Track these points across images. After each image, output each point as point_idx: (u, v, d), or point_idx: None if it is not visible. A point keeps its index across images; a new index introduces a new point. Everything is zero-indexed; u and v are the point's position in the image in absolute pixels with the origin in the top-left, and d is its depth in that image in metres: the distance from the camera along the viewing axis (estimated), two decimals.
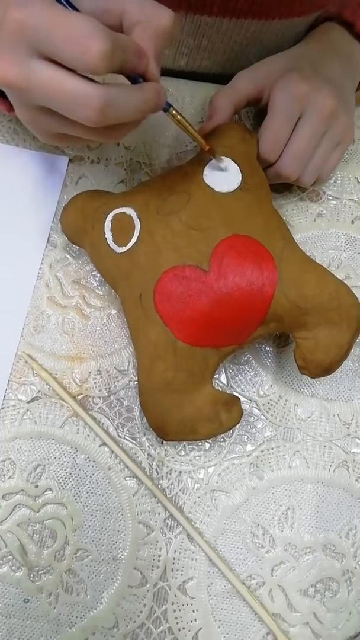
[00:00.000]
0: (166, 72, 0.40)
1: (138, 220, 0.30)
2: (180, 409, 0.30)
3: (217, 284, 0.29)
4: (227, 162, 0.30)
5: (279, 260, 0.29)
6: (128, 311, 0.31)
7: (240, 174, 0.30)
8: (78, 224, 0.32)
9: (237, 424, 0.31)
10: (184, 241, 0.29)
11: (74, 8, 0.24)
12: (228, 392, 0.35)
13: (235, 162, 0.31)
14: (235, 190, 0.30)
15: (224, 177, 0.30)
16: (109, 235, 0.30)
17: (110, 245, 0.30)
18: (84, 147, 0.39)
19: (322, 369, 0.30)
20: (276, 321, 0.30)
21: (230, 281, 0.29)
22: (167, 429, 0.30)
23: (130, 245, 0.30)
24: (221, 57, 0.39)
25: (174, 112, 0.28)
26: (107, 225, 0.30)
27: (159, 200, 0.30)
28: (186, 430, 0.30)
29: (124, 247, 0.30)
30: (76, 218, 0.32)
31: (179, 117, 0.28)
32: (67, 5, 0.24)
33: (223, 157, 0.30)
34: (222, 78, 0.40)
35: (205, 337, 0.30)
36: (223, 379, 0.35)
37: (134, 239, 0.30)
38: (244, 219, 0.30)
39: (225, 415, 0.31)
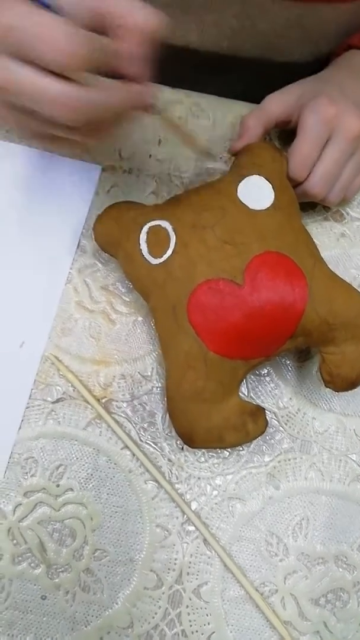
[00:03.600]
0: (208, 55, 0.41)
1: (173, 233, 0.31)
2: (209, 418, 0.31)
3: (250, 298, 0.30)
4: (259, 180, 0.31)
5: (309, 277, 0.30)
6: (159, 321, 0.32)
7: (273, 192, 0.32)
8: (112, 234, 0.33)
9: (263, 433, 0.32)
10: (219, 255, 0.30)
11: (53, 10, 0.24)
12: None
13: (268, 181, 0.32)
14: (268, 207, 0.31)
15: (257, 194, 0.31)
16: (144, 247, 0.31)
17: (145, 256, 0.31)
18: (74, 150, 0.38)
19: (348, 383, 0.31)
20: (305, 335, 0.31)
21: (263, 296, 0.30)
22: (194, 436, 0.31)
23: (165, 257, 0.31)
24: (263, 40, 0.40)
25: (165, 115, 0.29)
26: (143, 237, 0.31)
27: (194, 214, 0.31)
28: (213, 439, 0.31)
29: (159, 258, 0.31)
30: (110, 227, 0.33)
31: (171, 119, 0.29)
32: (46, 6, 0.24)
33: (255, 175, 0.31)
34: (261, 67, 0.41)
35: (236, 349, 0.31)
36: (244, 389, 0.36)
37: (169, 252, 0.31)
38: (276, 236, 0.31)
39: (251, 425, 0.32)
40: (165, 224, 0.31)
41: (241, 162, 0.32)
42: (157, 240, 0.31)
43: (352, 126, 0.33)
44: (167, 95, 0.42)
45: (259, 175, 0.32)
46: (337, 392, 0.32)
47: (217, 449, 0.35)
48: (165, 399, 0.32)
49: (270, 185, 0.32)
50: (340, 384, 0.31)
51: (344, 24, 0.40)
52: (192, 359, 0.31)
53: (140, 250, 0.31)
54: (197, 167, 0.40)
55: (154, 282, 0.31)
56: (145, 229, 0.31)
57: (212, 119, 0.41)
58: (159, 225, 0.31)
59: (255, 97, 0.40)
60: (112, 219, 0.33)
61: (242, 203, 0.31)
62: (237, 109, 0.41)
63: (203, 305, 0.30)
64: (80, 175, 0.40)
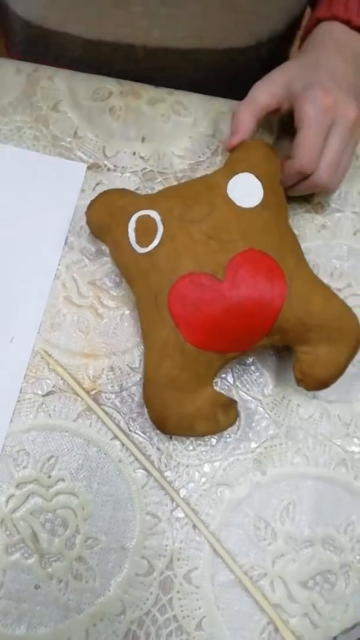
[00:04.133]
0: (143, 55, 0.41)
1: (161, 224, 0.32)
2: (181, 406, 0.32)
3: (229, 294, 0.31)
4: (250, 178, 0.32)
5: (289, 278, 0.31)
6: (142, 309, 0.33)
7: (262, 191, 0.32)
8: (103, 220, 0.34)
9: (233, 425, 0.33)
10: (203, 250, 0.31)
11: None
12: (234, 391, 0.37)
13: (259, 180, 0.33)
14: (256, 206, 0.32)
15: (246, 192, 0.32)
16: (132, 235, 0.32)
17: (132, 244, 0.32)
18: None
19: (319, 383, 0.32)
20: (281, 334, 0.32)
21: (242, 292, 0.31)
22: (166, 422, 0.32)
23: (151, 247, 0.32)
24: (195, 26, 0.40)
25: None
26: (132, 225, 0.32)
27: (183, 207, 0.32)
28: (184, 426, 0.32)
29: (145, 248, 0.32)
30: (102, 213, 0.34)
31: None
32: None
33: (246, 173, 0.32)
34: (201, 54, 0.41)
35: (212, 341, 0.32)
36: (230, 378, 0.37)
37: (155, 242, 0.31)
38: (261, 235, 0.32)
39: (222, 416, 0.33)
40: (154, 214, 0.32)
41: (235, 158, 0.33)
42: (145, 230, 0.32)
43: (350, 114, 0.34)
44: (150, 93, 0.43)
45: (250, 173, 0.32)
46: (308, 390, 0.33)
47: (193, 437, 0.35)
48: (143, 385, 0.33)
49: (261, 184, 0.33)
50: (311, 383, 0.32)
51: (280, 5, 0.39)
52: (169, 348, 0.31)
53: (128, 238, 0.32)
54: (181, 164, 0.41)
55: (139, 271, 0.32)
56: (134, 217, 0.32)
57: (194, 116, 0.42)
58: (148, 216, 0.32)
59: (203, 89, 0.39)
60: (103, 205, 0.34)
61: (231, 200, 0.32)
62: (218, 106, 0.42)
63: (184, 297, 0.31)
64: (66, 173, 0.40)
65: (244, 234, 0.31)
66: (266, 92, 0.36)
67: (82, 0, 0.38)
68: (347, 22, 0.37)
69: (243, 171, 0.32)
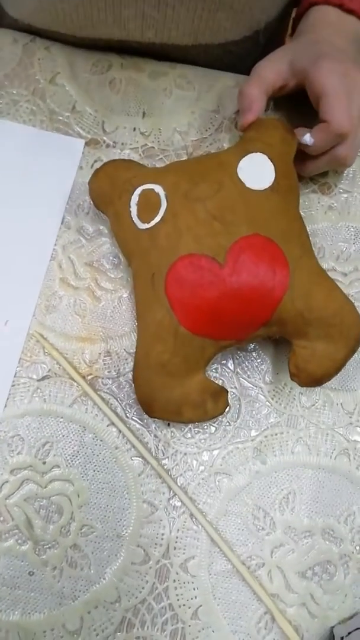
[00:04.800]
0: (138, 47, 0.40)
1: (165, 200, 0.30)
2: (170, 391, 0.31)
3: (229, 279, 0.29)
4: (262, 159, 0.31)
5: (293, 268, 0.30)
6: (138, 286, 0.32)
7: (274, 174, 0.31)
8: (105, 191, 0.33)
9: (221, 414, 0.32)
10: (206, 231, 0.29)
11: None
12: (235, 378, 0.36)
13: (272, 161, 0.31)
14: (266, 189, 0.30)
15: (257, 173, 0.31)
16: (134, 209, 0.31)
17: (133, 219, 0.31)
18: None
19: (313, 379, 0.31)
20: (279, 325, 0.31)
21: (242, 278, 0.29)
22: (153, 405, 0.31)
23: (153, 223, 0.30)
24: (190, 26, 0.38)
25: None
26: (134, 199, 0.31)
27: (190, 184, 0.30)
28: (171, 411, 0.31)
29: (146, 223, 0.30)
30: (104, 184, 0.33)
31: None
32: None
33: (259, 153, 0.31)
34: (197, 50, 0.40)
35: (207, 327, 0.30)
36: (230, 365, 0.36)
37: (157, 218, 0.30)
38: (269, 220, 0.30)
39: (211, 405, 0.31)
40: (159, 189, 0.30)
41: (250, 136, 0.32)
42: (148, 205, 0.31)
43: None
44: (152, 66, 0.41)
45: (263, 153, 0.31)
46: (301, 386, 0.32)
47: (179, 423, 0.34)
48: (133, 366, 0.32)
49: (273, 167, 0.31)
50: (305, 379, 0.31)
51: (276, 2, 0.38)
52: (162, 331, 0.30)
53: (130, 212, 0.31)
54: (183, 140, 0.39)
55: (138, 247, 0.31)
56: (138, 191, 0.31)
57: (198, 91, 0.40)
58: (153, 190, 0.31)
59: None
60: (107, 175, 0.33)
61: (240, 180, 0.30)
62: (223, 80, 0.40)
63: (181, 279, 0.30)
64: (63, 149, 0.39)
65: (250, 217, 0.30)
66: (271, 69, 0.35)
67: (71, 6, 0.37)
68: (340, 6, 0.36)
69: (256, 151, 0.31)
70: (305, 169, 0.36)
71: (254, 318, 0.30)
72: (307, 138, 0.33)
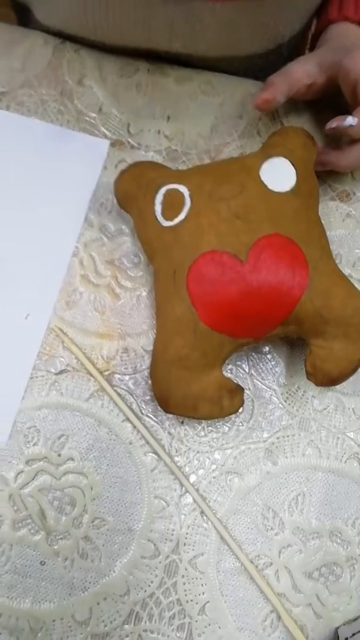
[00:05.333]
0: (165, 55, 0.41)
1: (189, 199, 0.31)
2: (187, 385, 0.31)
3: (250, 276, 0.30)
4: (284, 162, 0.32)
5: (313, 268, 0.30)
6: (159, 283, 0.33)
7: (295, 177, 0.32)
8: (131, 190, 0.34)
9: (236, 412, 0.33)
10: (228, 229, 0.30)
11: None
12: (249, 379, 0.36)
13: (293, 166, 0.32)
14: (287, 191, 0.31)
15: (279, 177, 0.31)
16: (158, 208, 0.32)
17: (157, 217, 0.32)
18: None
19: (329, 379, 0.32)
20: (296, 324, 0.31)
21: (263, 276, 0.30)
22: (170, 400, 0.32)
23: (177, 221, 0.31)
24: (217, 40, 0.39)
25: None
26: (159, 197, 0.32)
27: (213, 185, 0.31)
28: (188, 406, 0.32)
29: (170, 221, 0.31)
30: (130, 184, 0.34)
31: None
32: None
33: (281, 157, 0.31)
34: (222, 61, 0.41)
35: (226, 324, 0.31)
36: (245, 366, 0.36)
37: (181, 216, 0.31)
38: (289, 222, 0.31)
39: (227, 402, 0.32)
40: (183, 188, 0.31)
41: (272, 142, 0.33)
42: (172, 204, 0.31)
43: None
44: (178, 72, 0.41)
45: (285, 158, 0.32)
46: (317, 385, 0.32)
47: (195, 418, 0.35)
48: (150, 360, 0.33)
49: (295, 171, 0.32)
50: (321, 378, 0.32)
51: (299, 9, 0.40)
52: (182, 326, 0.31)
53: (154, 210, 0.32)
54: (206, 144, 0.40)
55: (161, 244, 0.32)
56: (162, 190, 0.32)
57: (222, 97, 0.41)
58: (177, 189, 0.31)
59: None
60: (133, 176, 0.34)
61: (263, 182, 0.31)
62: (247, 87, 0.41)
63: (203, 275, 0.30)
64: (88, 149, 0.40)
65: (271, 217, 0.30)
66: (298, 67, 0.36)
67: (101, 16, 0.38)
68: (359, 23, 0.38)
69: (278, 155, 0.32)
70: (343, 159, 0.36)
71: (272, 316, 0.31)
72: (350, 119, 0.34)
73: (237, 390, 0.32)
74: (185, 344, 0.31)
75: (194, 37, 0.38)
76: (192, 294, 0.30)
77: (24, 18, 0.44)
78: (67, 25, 0.40)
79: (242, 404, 0.32)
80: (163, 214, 0.32)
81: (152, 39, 0.39)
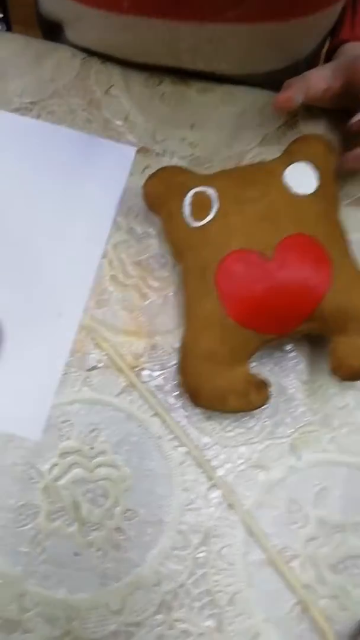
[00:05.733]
0: (185, 72, 0.43)
1: (217, 201, 0.33)
2: (216, 379, 0.33)
3: (276, 273, 0.32)
4: (307, 167, 0.33)
5: (336, 267, 0.32)
6: (188, 281, 0.34)
7: (317, 181, 0.33)
8: (160, 192, 0.35)
9: (263, 405, 0.34)
10: (255, 229, 0.32)
11: None
12: (272, 377, 0.37)
13: (315, 170, 0.34)
14: (310, 194, 0.33)
15: (302, 180, 0.33)
16: (187, 209, 0.33)
17: (186, 217, 0.33)
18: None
19: (353, 374, 0.33)
20: (320, 321, 0.33)
21: (288, 273, 0.32)
22: (200, 393, 0.33)
23: (205, 221, 0.33)
24: (239, 60, 0.41)
25: None
26: (188, 199, 0.33)
27: (239, 188, 0.33)
28: (217, 400, 0.33)
29: (199, 222, 0.33)
30: (160, 187, 0.36)
31: None
32: None
33: (304, 162, 0.33)
34: (242, 76, 0.43)
35: (253, 319, 0.32)
36: (268, 364, 0.38)
37: (209, 217, 0.33)
38: (313, 222, 0.33)
39: (254, 395, 0.33)
40: (210, 191, 0.33)
41: (294, 148, 0.35)
42: (200, 205, 0.33)
43: None
44: (200, 83, 0.43)
45: (307, 163, 0.33)
46: (342, 381, 0.34)
47: (223, 412, 0.36)
48: (179, 356, 0.34)
49: (316, 175, 0.34)
50: (346, 373, 0.33)
51: (316, 29, 0.42)
52: (211, 321, 0.32)
53: (183, 211, 0.33)
54: (228, 151, 0.42)
55: (189, 244, 0.33)
56: (191, 192, 0.34)
57: (243, 106, 0.43)
58: (205, 192, 0.33)
59: None
60: (162, 179, 0.36)
61: (286, 186, 0.33)
62: (266, 97, 0.43)
63: (231, 273, 0.32)
64: (116, 156, 0.41)
65: (295, 218, 0.32)
66: (313, 74, 0.38)
67: (129, 38, 0.40)
68: None
69: (301, 160, 0.33)
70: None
71: (297, 312, 0.32)
72: None
73: (263, 385, 0.34)
74: (214, 339, 0.32)
75: (217, 57, 0.40)
76: (221, 290, 0.32)
77: (52, 39, 0.47)
78: (96, 45, 0.42)
79: (268, 397, 0.34)
80: (192, 215, 0.33)
81: (177, 59, 0.41)
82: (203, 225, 0.33)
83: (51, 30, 0.47)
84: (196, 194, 0.33)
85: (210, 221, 0.33)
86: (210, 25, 0.36)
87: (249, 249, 0.31)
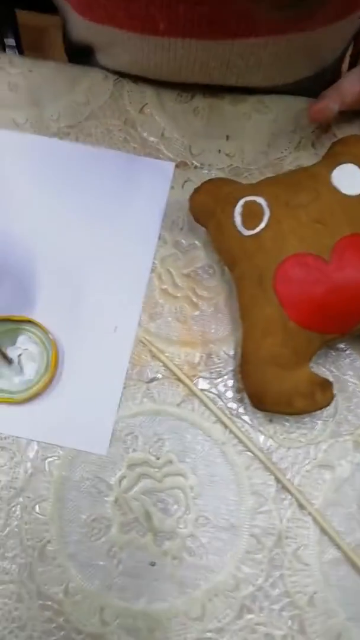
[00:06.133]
0: (214, 87, 0.44)
1: (268, 209, 0.33)
2: (281, 382, 0.33)
3: (335, 275, 0.32)
4: (353, 168, 0.34)
5: None
6: (244, 288, 0.35)
7: None
8: (208, 205, 0.36)
9: (329, 405, 0.34)
10: (309, 232, 0.32)
11: None
12: (330, 375, 0.38)
13: None
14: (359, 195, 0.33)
15: (350, 181, 0.34)
16: (238, 219, 0.34)
17: (238, 227, 0.34)
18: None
19: None
20: None
21: (347, 274, 0.32)
22: (265, 398, 0.33)
23: (258, 229, 0.33)
24: (269, 72, 0.42)
25: None
26: (238, 209, 0.34)
27: (288, 194, 0.33)
28: (283, 402, 0.33)
29: (251, 230, 0.34)
30: (207, 199, 0.36)
31: None
32: None
33: (350, 164, 0.34)
34: (272, 88, 0.44)
35: (314, 321, 0.33)
36: (326, 363, 0.38)
37: (262, 225, 0.33)
38: None
39: (320, 396, 0.34)
40: (260, 200, 0.34)
41: (337, 150, 0.35)
42: (251, 214, 0.34)
43: None
44: (230, 95, 0.44)
45: (353, 164, 0.34)
46: None
47: (289, 414, 0.36)
48: (241, 361, 0.34)
49: None
50: None
51: (342, 35, 0.42)
52: (272, 326, 0.33)
53: (234, 221, 0.34)
54: (265, 159, 0.43)
55: (243, 252, 0.34)
56: (241, 202, 0.34)
57: (275, 113, 0.44)
58: (254, 201, 0.34)
59: None
60: (209, 192, 0.36)
61: (335, 187, 0.33)
62: (298, 103, 0.44)
63: (289, 277, 0.33)
64: (155, 172, 0.42)
65: (349, 219, 0.32)
66: (345, 80, 0.38)
67: (162, 60, 0.41)
68: None
69: (346, 162, 0.34)
70: None
71: (357, 311, 0.33)
72: None
73: (327, 384, 0.34)
74: (277, 342, 0.33)
75: (248, 71, 0.41)
76: (280, 295, 0.32)
77: (80, 63, 0.48)
78: (129, 67, 0.44)
79: (332, 396, 0.34)
80: (243, 224, 0.34)
81: (208, 76, 0.42)
82: (256, 233, 0.33)
83: (80, 55, 0.49)
84: (246, 203, 0.34)
85: (263, 229, 0.33)
86: (243, 41, 0.37)
87: (306, 253, 0.32)
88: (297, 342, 0.33)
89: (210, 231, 0.37)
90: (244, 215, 0.34)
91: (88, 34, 0.44)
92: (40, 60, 0.47)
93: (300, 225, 0.32)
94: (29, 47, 0.80)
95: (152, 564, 0.34)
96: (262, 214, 0.33)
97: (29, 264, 0.40)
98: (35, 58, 0.47)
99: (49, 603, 0.34)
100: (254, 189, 0.35)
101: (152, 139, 0.43)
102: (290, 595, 0.34)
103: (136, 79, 0.45)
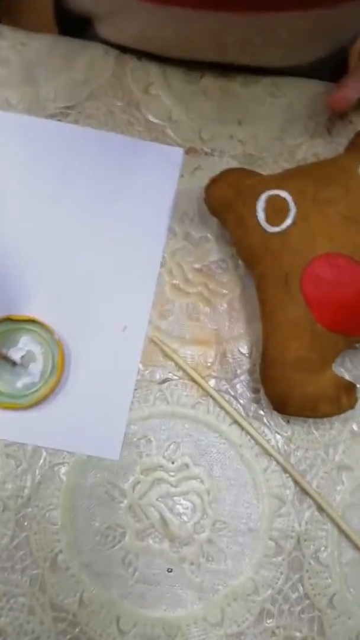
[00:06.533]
0: (223, 66, 0.41)
1: (294, 204, 0.31)
2: (306, 387, 0.32)
3: None
4: None
5: None
6: (267, 288, 0.33)
7: None
8: (228, 198, 0.34)
9: (352, 408, 0.33)
10: (340, 231, 0.31)
11: None
12: (347, 375, 0.37)
13: None
14: None
15: None
16: (261, 214, 0.32)
17: (261, 223, 0.32)
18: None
19: None
20: None
21: None
22: (289, 403, 0.32)
23: (284, 226, 0.31)
24: (286, 50, 0.40)
25: None
26: (261, 204, 0.32)
27: (315, 188, 0.31)
28: (307, 407, 0.32)
29: (276, 227, 0.32)
30: (227, 191, 0.34)
31: None
32: None
33: None
34: (288, 67, 0.42)
35: (343, 324, 0.32)
36: (347, 363, 0.37)
37: (288, 221, 0.31)
38: None
39: (345, 399, 0.33)
40: (284, 194, 0.32)
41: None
42: (276, 210, 0.32)
43: None
44: (242, 76, 0.42)
45: None
46: None
47: (313, 418, 0.36)
48: (262, 365, 0.33)
49: None
50: None
51: None
52: (299, 328, 0.32)
53: (257, 217, 0.32)
54: (279, 146, 0.40)
55: (267, 250, 0.32)
56: (264, 197, 0.32)
57: (289, 98, 0.41)
58: (278, 195, 0.32)
59: None
60: (229, 183, 0.34)
61: None
62: (313, 87, 0.42)
63: (318, 278, 0.31)
64: (163, 158, 0.40)
65: None
66: None
67: (173, 33, 0.38)
68: None
69: None
70: None
71: None
72: None
73: (351, 387, 0.33)
74: (303, 346, 0.31)
75: (265, 49, 0.39)
76: (308, 296, 0.31)
77: (74, 36, 0.44)
78: (134, 41, 0.40)
79: (357, 399, 0.33)
80: (267, 220, 0.32)
81: (222, 53, 0.39)
82: (282, 230, 0.32)
83: (73, 27, 0.45)
84: (270, 197, 0.32)
85: (289, 226, 0.31)
86: (264, 15, 0.35)
87: (336, 253, 0.30)
88: (323, 345, 0.32)
89: (229, 226, 0.35)
90: (267, 210, 0.32)
91: (89, 1, 0.41)
92: (33, 32, 0.43)
93: (330, 223, 0.31)
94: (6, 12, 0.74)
95: (170, 571, 0.33)
96: (287, 209, 0.32)
97: (25, 260, 0.38)
98: (27, 30, 0.43)
99: (63, 614, 0.33)
100: (277, 182, 0.33)
101: (158, 121, 0.41)
102: (309, 597, 0.34)
103: (140, 54, 0.42)
